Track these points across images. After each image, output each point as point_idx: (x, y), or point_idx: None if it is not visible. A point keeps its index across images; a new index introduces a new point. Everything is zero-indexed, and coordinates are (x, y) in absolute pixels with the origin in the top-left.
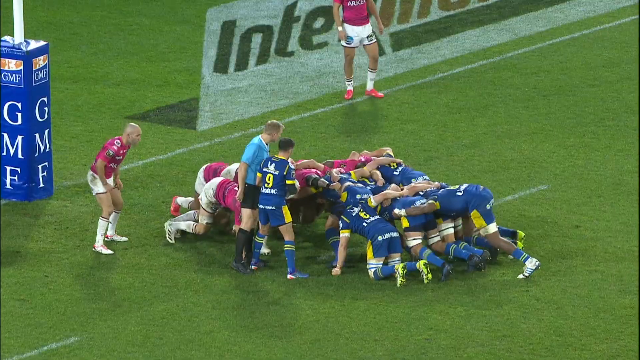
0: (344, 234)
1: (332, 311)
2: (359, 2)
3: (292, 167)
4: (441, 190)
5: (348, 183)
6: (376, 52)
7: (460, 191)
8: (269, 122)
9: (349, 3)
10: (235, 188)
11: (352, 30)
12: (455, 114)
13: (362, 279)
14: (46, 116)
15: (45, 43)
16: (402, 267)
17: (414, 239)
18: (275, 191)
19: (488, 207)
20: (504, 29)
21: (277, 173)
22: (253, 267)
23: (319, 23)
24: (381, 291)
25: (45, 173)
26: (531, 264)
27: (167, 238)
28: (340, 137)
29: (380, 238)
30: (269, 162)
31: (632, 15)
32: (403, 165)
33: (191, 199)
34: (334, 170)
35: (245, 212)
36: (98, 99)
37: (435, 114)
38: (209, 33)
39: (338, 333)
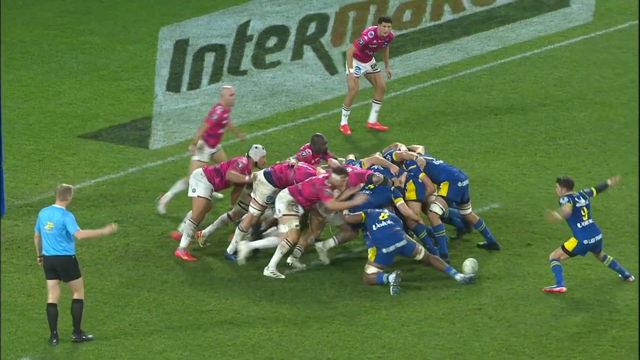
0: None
1: (286, 330)
2: (374, 52)
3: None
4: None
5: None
6: (383, 81)
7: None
8: (60, 187)
9: (366, 51)
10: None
11: (358, 63)
12: (408, 133)
13: (315, 297)
14: None
15: None
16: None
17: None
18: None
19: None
20: (456, 48)
21: (588, 203)
22: None
23: (271, 42)
24: (334, 309)
25: None
26: (392, 276)
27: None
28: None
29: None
30: (579, 197)
31: (583, 34)
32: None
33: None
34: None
35: (50, 283)
36: (50, 118)
37: (389, 132)
38: (161, 52)
39: (291, 352)
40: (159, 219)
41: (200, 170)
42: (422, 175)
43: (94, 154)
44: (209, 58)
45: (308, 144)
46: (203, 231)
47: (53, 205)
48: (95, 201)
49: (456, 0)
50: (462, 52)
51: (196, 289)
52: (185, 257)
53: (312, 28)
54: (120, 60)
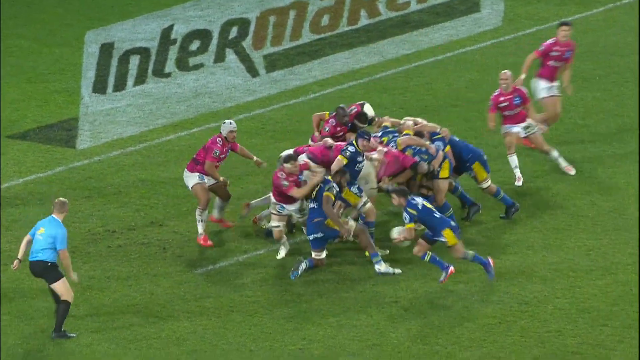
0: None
1: (209, 323)
2: (556, 61)
3: None
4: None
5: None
6: (556, 108)
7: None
8: (58, 200)
9: (549, 62)
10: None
11: (546, 84)
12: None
13: (238, 291)
14: None
15: None
16: None
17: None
18: None
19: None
20: (372, 51)
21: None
22: None
23: (195, 45)
24: (257, 303)
25: None
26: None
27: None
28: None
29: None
30: (413, 197)
31: (492, 39)
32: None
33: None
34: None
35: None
36: None
37: (308, 132)
38: (87, 55)
39: (215, 344)
40: (85, 216)
41: (185, 170)
42: (447, 148)
43: (22, 154)
44: (134, 61)
45: (334, 114)
46: (251, 203)
47: (52, 215)
48: (23, 199)
49: (372, 5)
50: (378, 55)
51: (122, 283)
52: (201, 242)
53: (233, 32)
54: (47, 63)
